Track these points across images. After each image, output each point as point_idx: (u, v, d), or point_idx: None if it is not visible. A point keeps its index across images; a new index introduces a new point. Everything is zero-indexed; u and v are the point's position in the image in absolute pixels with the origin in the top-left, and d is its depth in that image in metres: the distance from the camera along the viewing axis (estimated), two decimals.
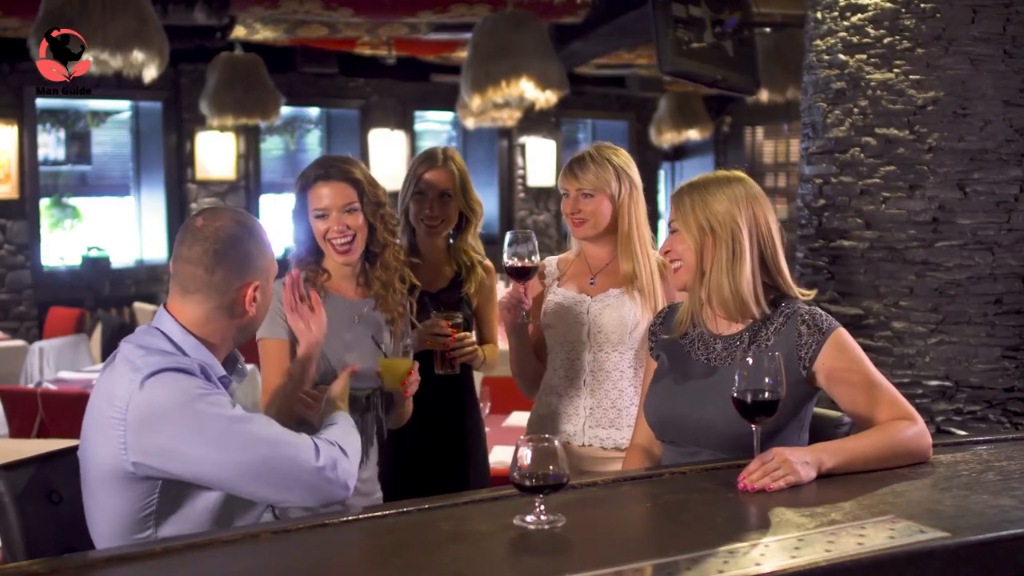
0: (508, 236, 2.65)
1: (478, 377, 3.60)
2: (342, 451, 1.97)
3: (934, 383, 3.65)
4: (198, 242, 1.98)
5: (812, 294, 2.29)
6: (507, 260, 2.64)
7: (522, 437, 1.76)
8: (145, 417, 1.84)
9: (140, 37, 5.36)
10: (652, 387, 2.35)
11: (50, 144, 9.44)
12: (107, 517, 1.93)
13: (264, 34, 8.30)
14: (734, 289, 2.19)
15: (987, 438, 2.31)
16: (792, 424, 2.19)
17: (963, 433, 3.50)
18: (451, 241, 3.06)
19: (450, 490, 2.13)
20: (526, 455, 1.73)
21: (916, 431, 2.09)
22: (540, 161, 12.02)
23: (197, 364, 1.92)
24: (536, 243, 2.67)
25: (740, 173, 2.28)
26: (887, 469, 2.03)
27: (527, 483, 1.73)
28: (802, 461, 1.95)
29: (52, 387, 5.25)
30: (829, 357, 2.15)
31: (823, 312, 2.21)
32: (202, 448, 1.85)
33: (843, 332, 2.18)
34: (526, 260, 2.63)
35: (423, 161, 2.97)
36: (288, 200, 10.66)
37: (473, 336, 2.87)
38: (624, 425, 2.75)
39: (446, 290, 2.98)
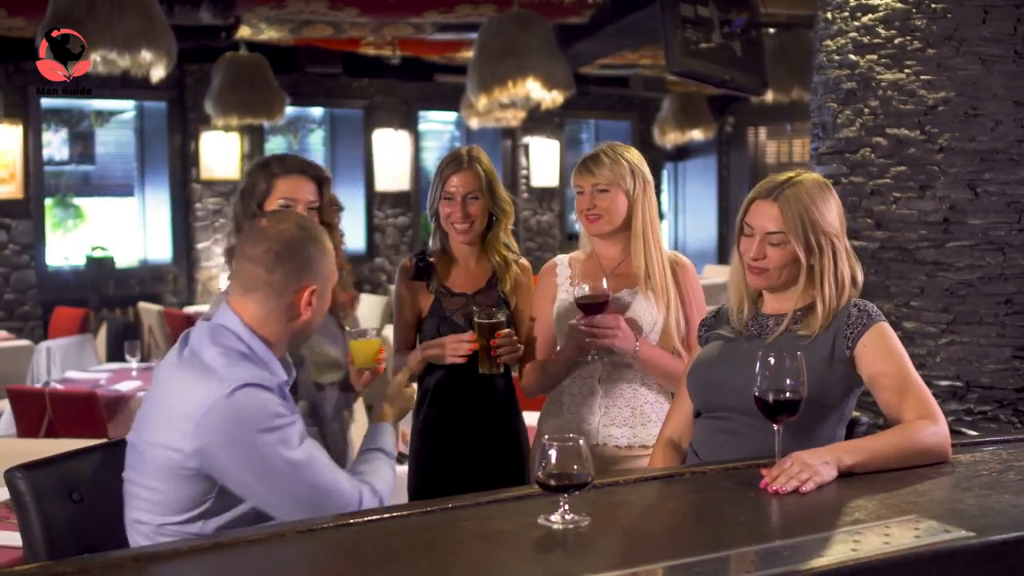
0: None
1: None
2: (380, 502, 2.03)
3: (945, 383, 3.66)
4: (261, 242, 2.03)
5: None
6: (576, 294, 2.66)
7: (546, 437, 1.77)
8: (225, 427, 1.88)
9: (148, 36, 5.35)
10: (697, 357, 2.39)
11: (54, 144, 9.44)
12: (158, 507, 1.95)
13: (269, 34, 8.30)
14: (826, 302, 2.22)
15: (1006, 438, 2.32)
16: (833, 415, 2.22)
17: (974, 433, 3.50)
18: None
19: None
20: (550, 455, 1.73)
21: (935, 431, 2.09)
22: (543, 161, 12.00)
23: (276, 384, 1.96)
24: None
25: (821, 178, 2.29)
26: (906, 468, 2.04)
27: (551, 482, 1.73)
28: (822, 461, 1.95)
29: (59, 387, 5.25)
30: (870, 343, 2.18)
31: (874, 305, 2.26)
32: (260, 475, 1.90)
33: (887, 326, 2.22)
34: (598, 293, 2.63)
35: (448, 163, 2.95)
36: None
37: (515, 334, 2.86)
38: (638, 424, 2.75)
39: (483, 291, 2.96)
